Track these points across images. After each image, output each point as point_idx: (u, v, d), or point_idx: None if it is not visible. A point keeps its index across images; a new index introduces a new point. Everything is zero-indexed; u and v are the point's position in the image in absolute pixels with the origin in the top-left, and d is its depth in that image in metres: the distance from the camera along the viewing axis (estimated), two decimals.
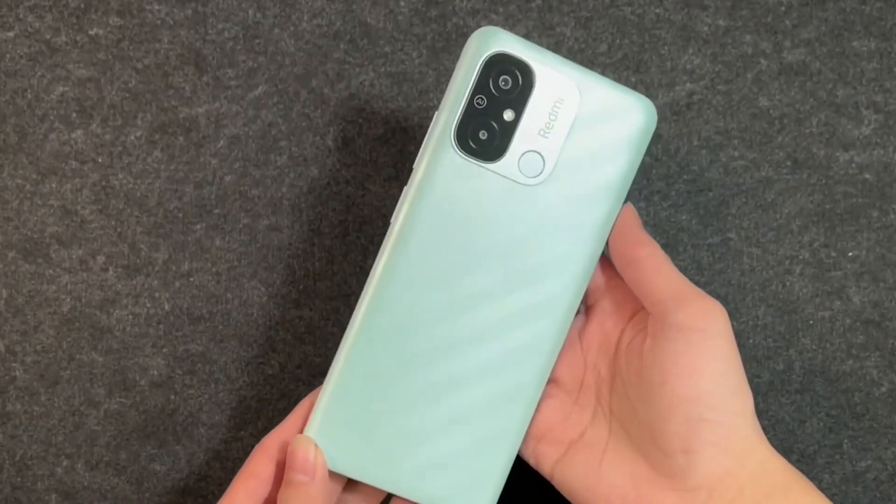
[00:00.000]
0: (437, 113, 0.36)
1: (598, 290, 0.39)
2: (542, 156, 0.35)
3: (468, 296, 0.36)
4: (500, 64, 0.35)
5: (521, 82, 0.35)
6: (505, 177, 0.35)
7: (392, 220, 0.36)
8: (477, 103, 0.35)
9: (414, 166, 0.37)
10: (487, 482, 0.36)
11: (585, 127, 0.35)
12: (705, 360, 0.35)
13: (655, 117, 0.36)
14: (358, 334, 0.36)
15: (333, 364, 0.37)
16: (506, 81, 0.35)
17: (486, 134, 0.35)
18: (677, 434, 0.35)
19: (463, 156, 0.35)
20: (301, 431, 0.37)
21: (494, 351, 0.36)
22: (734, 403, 0.35)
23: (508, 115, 0.35)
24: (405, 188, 0.36)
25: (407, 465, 0.36)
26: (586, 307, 0.40)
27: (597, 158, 0.36)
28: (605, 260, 0.39)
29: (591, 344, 0.39)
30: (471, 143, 0.35)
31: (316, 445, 0.36)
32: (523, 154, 0.35)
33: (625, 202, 0.37)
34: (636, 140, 0.36)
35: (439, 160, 0.35)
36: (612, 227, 0.36)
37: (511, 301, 0.36)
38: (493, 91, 0.35)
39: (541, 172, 0.36)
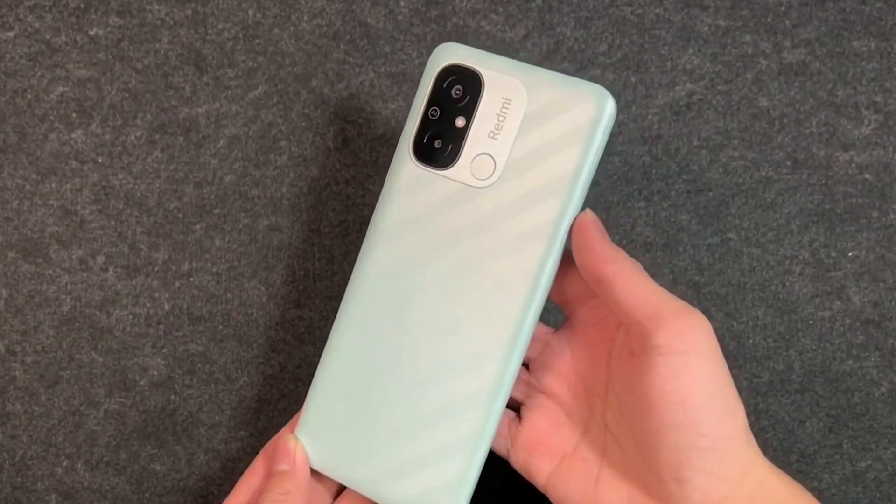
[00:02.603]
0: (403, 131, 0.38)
1: (577, 300, 0.38)
2: (492, 157, 0.36)
3: (434, 301, 0.37)
4: (451, 75, 0.37)
5: (470, 89, 0.36)
6: (458, 181, 0.37)
7: (366, 233, 0.38)
8: (431, 115, 0.37)
9: (385, 181, 0.38)
10: (457, 484, 0.36)
11: (535, 124, 0.36)
12: (691, 386, 0.33)
13: (610, 103, 0.35)
14: (335, 340, 0.38)
15: (318, 368, 0.38)
16: (457, 91, 0.37)
17: (440, 142, 0.37)
18: (668, 463, 0.33)
19: (420, 166, 0.37)
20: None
21: (459, 354, 0.37)
22: (725, 426, 0.33)
23: (460, 121, 0.37)
24: (377, 202, 0.38)
25: (380, 467, 0.37)
26: (572, 317, 0.39)
27: (548, 153, 0.36)
28: None
29: (580, 354, 0.38)
30: (427, 153, 0.37)
31: (297, 440, 0.37)
32: (475, 158, 0.36)
33: (585, 207, 0.36)
34: (587, 130, 0.35)
35: (399, 173, 0.37)
36: (574, 242, 0.35)
37: (474, 303, 0.36)
38: (446, 101, 0.37)
39: (492, 174, 0.36)
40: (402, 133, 0.37)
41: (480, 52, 0.36)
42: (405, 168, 0.37)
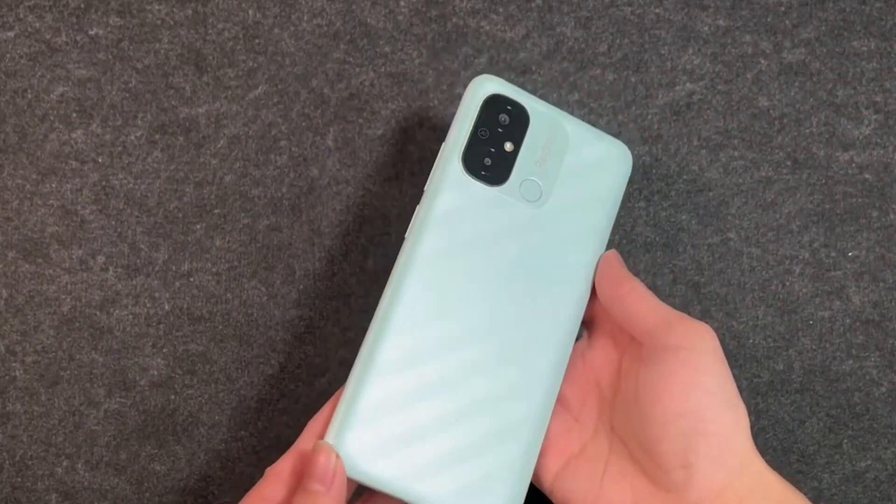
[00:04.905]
0: (443, 144, 0.39)
1: (600, 317, 0.40)
2: (539, 184, 0.39)
3: (481, 309, 0.38)
4: (498, 103, 0.39)
5: (517, 120, 0.39)
6: (510, 198, 0.39)
7: (406, 236, 0.38)
8: (481, 134, 0.39)
9: (425, 188, 0.38)
10: (507, 496, 0.37)
11: (574, 164, 0.40)
12: (696, 376, 0.35)
13: (631, 161, 0.41)
14: (375, 345, 0.37)
15: (352, 373, 0.37)
16: (504, 119, 0.39)
17: (490, 161, 0.39)
18: (673, 451, 0.35)
19: (471, 178, 0.39)
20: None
21: (505, 366, 0.37)
22: (728, 416, 0.35)
23: (508, 146, 0.39)
24: (417, 207, 0.38)
25: (426, 476, 0.36)
26: (591, 332, 0.41)
27: (585, 192, 0.40)
28: None
29: (593, 364, 0.40)
30: (477, 167, 0.39)
31: (337, 455, 0.34)
32: (523, 181, 0.39)
33: (616, 231, 0.39)
34: (618, 180, 0.40)
35: (450, 180, 0.38)
36: (597, 272, 0.39)
37: (522, 315, 0.38)
38: (494, 125, 0.39)
39: (539, 198, 0.39)
40: (446, 145, 0.39)
41: (519, 88, 0.40)
42: (457, 178, 0.39)
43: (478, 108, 0.39)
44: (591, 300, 0.39)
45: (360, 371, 0.36)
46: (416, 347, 0.37)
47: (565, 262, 0.39)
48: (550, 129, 0.40)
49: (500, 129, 0.39)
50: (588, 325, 0.41)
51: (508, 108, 0.39)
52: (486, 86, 0.39)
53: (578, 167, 0.40)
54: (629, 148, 0.41)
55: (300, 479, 0.35)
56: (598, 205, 0.40)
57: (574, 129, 0.40)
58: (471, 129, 0.39)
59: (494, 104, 0.39)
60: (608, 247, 0.41)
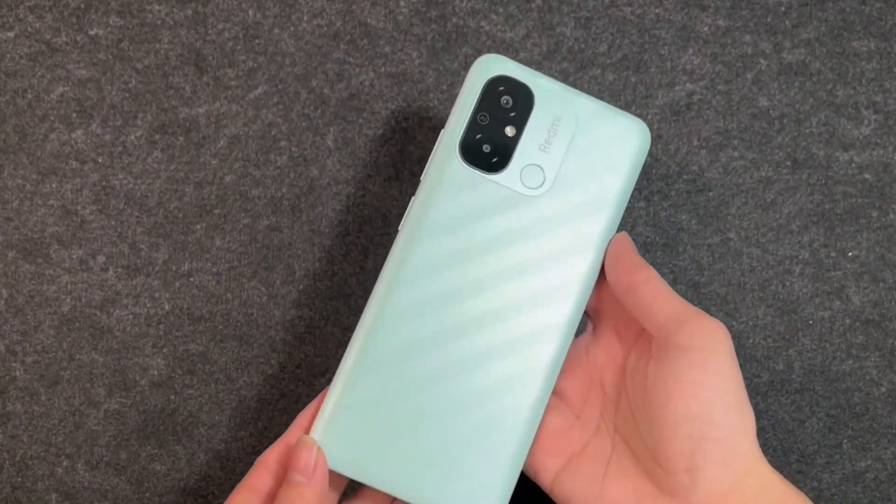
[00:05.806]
0: (442, 130, 0.38)
1: (605, 309, 0.39)
2: (542, 169, 0.37)
3: (476, 305, 0.37)
4: (501, 85, 0.38)
5: (521, 102, 0.38)
6: (508, 187, 0.37)
7: (400, 228, 0.37)
8: (480, 120, 0.37)
9: (421, 178, 0.38)
10: (494, 490, 0.36)
11: (583, 145, 0.38)
12: (706, 378, 0.35)
13: (649, 138, 0.38)
14: (365, 339, 0.37)
15: (341, 367, 0.37)
16: (507, 101, 0.38)
17: (489, 147, 0.37)
18: (680, 453, 0.35)
19: (467, 167, 0.37)
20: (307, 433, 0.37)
21: (497, 360, 0.37)
22: (736, 421, 0.35)
23: (510, 130, 0.38)
24: (413, 198, 0.38)
25: (412, 470, 0.36)
26: (595, 325, 0.40)
27: (594, 174, 0.38)
28: None
29: (597, 361, 0.39)
30: (475, 156, 0.37)
31: (319, 447, 0.36)
32: (525, 167, 0.37)
33: (619, 230, 0.38)
34: (632, 159, 0.38)
35: (445, 171, 0.37)
36: (608, 256, 0.37)
37: (519, 309, 0.37)
38: (496, 109, 0.38)
39: (541, 184, 0.37)
40: (444, 133, 0.38)
41: (526, 68, 0.38)
42: (452, 168, 0.37)
43: (479, 92, 0.37)
44: (594, 291, 0.38)
45: (348, 365, 0.37)
46: (406, 341, 0.37)
47: (567, 252, 0.37)
48: (558, 108, 0.38)
49: (501, 113, 0.37)
50: (592, 318, 0.40)
51: (512, 89, 0.37)
52: (489, 67, 0.38)
53: (589, 147, 0.38)
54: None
55: (286, 469, 0.36)
56: (610, 187, 0.38)
57: (586, 108, 0.38)
58: (470, 114, 0.37)
59: (497, 86, 0.37)
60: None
